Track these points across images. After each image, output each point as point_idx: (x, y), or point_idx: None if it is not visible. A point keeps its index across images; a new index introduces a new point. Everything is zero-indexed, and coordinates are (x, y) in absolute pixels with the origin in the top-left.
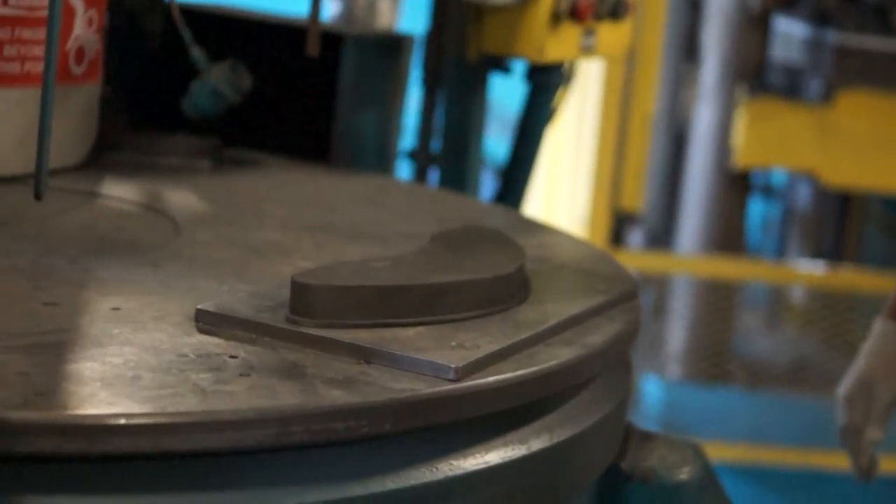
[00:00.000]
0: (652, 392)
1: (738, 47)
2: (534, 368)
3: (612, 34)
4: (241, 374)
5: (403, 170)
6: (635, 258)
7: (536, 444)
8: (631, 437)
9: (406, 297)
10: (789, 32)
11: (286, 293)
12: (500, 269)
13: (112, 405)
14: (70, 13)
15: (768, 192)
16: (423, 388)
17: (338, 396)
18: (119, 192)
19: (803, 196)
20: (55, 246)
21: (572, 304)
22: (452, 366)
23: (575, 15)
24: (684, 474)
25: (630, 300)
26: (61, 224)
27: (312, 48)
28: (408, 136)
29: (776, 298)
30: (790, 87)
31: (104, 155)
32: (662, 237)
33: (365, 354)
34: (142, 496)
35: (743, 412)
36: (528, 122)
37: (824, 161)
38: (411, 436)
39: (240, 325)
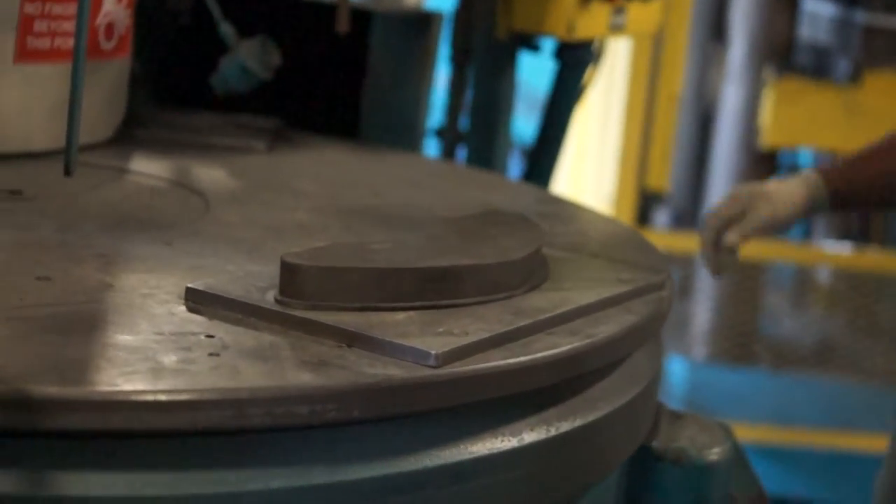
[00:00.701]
0: (677, 372)
1: (765, 27)
2: (523, 358)
3: (641, 12)
4: (210, 354)
5: (431, 147)
6: (661, 238)
7: (563, 426)
8: (661, 417)
9: (399, 281)
10: (817, 12)
11: None
12: (507, 255)
13: (58, 384)
14: None
15: (794, 172)
16: (400, 373)
17: (305, 379)
18: (152, 168)
19: None
20: (74, 222)
21: (587, 293)
22: (433, 352)
23: None
24: (715, 455)
25: (655, 291)
26: (88, 200)
27: (342, 25)
28: (435, 113)
29: (802, 279)
30: (818, 67)
31: (133, 131)
32: (688, 217)
33: (347, 338)
34: (83, 473)
35: (768, 393)
36: (556, 100)
37: (851, 141)
38: (392, 423)
39: (227, 304)
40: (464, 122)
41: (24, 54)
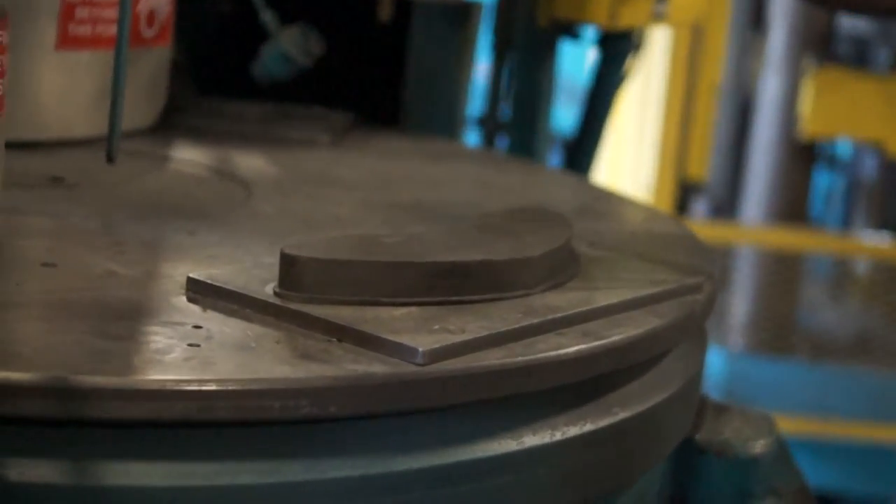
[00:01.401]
0: (715, 363)
1: (805, 17)
2: (520, 359)
3: (683, 1)
4: (189, 345)
5: (472, 137)
6: (699, 228)
7: (602, 421)
8: (706, 409)
9: (402, 275)
10: None
11: None
12: (523, 251)
13: (24, 369)
14: None
15: (833, 162)
16: (382, 370)
17: (279, 373)
18: (197, 156)
19: (869, 167)
20: (108, 209)
21: (611, 294)
22: (420, 349)
23: None
24: (759, 447)
25: (688, 294)
26: (128, 187)
27: (384, 13)
28: (476, 103)
29: (840, 270)
30: (858, 56)
31: (178, 119)
32: (727, 207)
33: (337, 332)
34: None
35: (806, 385)
36: (598, 89)
37: (891, 132)
38: (379, 420)
39: (225, 295)
40: (504, 112)
41: (66, 41)
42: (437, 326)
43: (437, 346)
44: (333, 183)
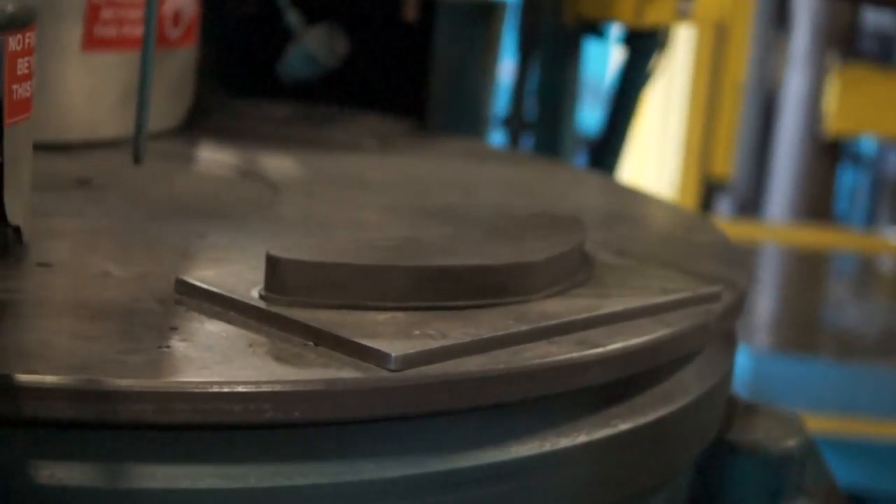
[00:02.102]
0: (740, 362)
1: (829, 13)
2: (500, 366)
3: None
4: (158, 347)
5: (497, 136)
6: (724, 226)
7: (625, 424)
8: (736, 409)
9: (388, 279)
10: None
11: None
12: (522, 257)
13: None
14: None
15: (857, 160)
16: (352, 375)
17: (243, 376)
18: (224, 158)
19: (893, 164)
20: (122, 210)
21: (617, 302)
22: (393, 354)
23: None
24: (790, 446)
25: (703, 303)
26: (153, 189)
27: (409, 13)
28: (500, 102)
29: (865, 268)
30: (882, 53)
31: (202, 119)
32: (751, 205)
33: (314, 336)
34: None
35: (831, 383)
36: (623, 88)
37: None
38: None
39: (210, 297)
40: (530, 111)
41: (92, 43)
42: (417, 332)
43: (410, 351)
44: (365, 186)
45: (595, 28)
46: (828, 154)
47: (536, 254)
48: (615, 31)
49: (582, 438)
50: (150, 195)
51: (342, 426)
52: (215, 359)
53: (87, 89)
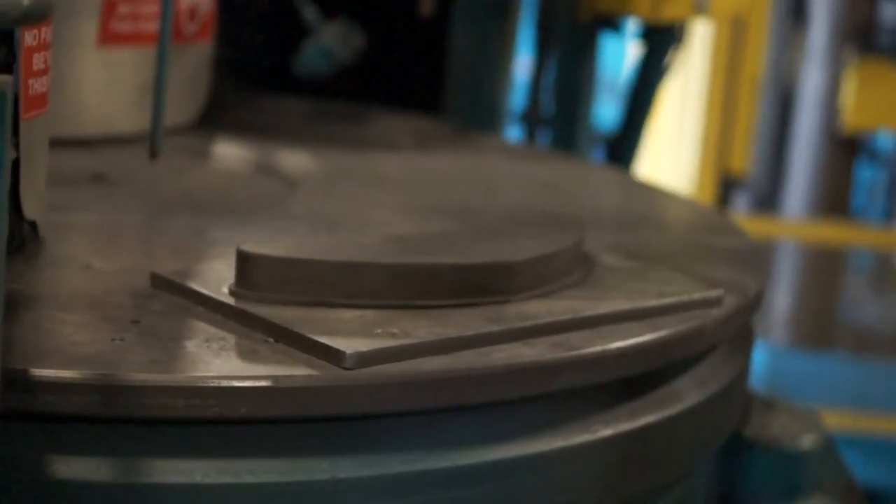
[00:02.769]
0: (757, 358)
1: (846, 8)
2: (461, 367)
3: None
4: (112, 339)
5: (513, 131)
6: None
7: (639, 420)
8: (753, 404)
9: (359, 276)
10: None
11: None
12: (503, 257)
13: None
14: None
15: (875, 155)
16: (305, 372)
17: (189, 371)
18: (242, 153)
19: None
20: (135, 207)
21: (604, 304)
22: (348, 352)
23: None
24: (807, 443)
25: (700, 308)
26: (166, 185)
27: (426, 7)
28: (516, 97)
29: (883, 264)
30: None
31: (218, 114)
32: (768, 201)
33: (275, 332)
34: None
35: (848, 379)
36: (640, 83)
37: None
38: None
39: (181, 292)
40: (546, 106)
41: (107, 38)
42: (379, 330)
43: (367, 349)
44: (385, 185)
45: (611, 23)
46: (845, 150)
47: (519, 254)
48: (632, 26)
49: (594, 434)
50: (163, 191)
51: (301, 424)
52: (168, 353)
53: (102, 84)
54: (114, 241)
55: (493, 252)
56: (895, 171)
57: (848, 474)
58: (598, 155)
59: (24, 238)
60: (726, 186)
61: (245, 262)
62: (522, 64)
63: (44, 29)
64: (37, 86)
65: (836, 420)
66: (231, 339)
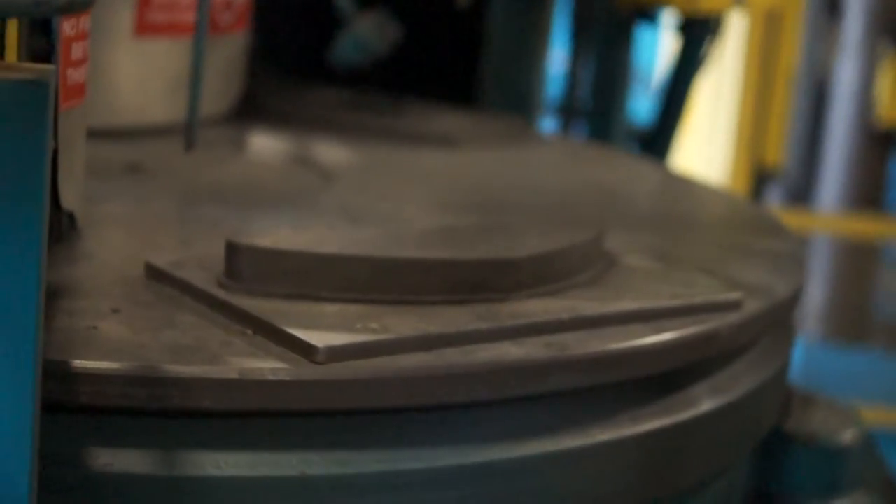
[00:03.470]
0: None
1: (881, 1)
2: (437, 364)
3: None
4: (88, 327)
5: (547, 123)
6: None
7: (679, 415)
8: (792, 399)
9: (347, 270)
10: None
11: None
12: (500, 254)
13: None
14: None
15: None
16: (274, 366)
17: (152, 362)
18: (274, 144)
19: None
20: (151, 196)
21: (611, 304)
22: (320, 346)
23: None
24: (847, 438)
25: (713, 311)
26: (203, 176)
27: (461, 0)
28: (551, 89)
29: None
30: None
31: (254, 105)
32: (802, 194)
33: (252, 324)
34: None
35: (882, 374)
36: (677, 75)
37: None
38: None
39: (171, 281)
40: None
41: (143, 28)
42: (359, 325)
43: (339, 343)
44: (422, 182)
45: (648, 14)
46: (879, 143)
47: (519, 251)
48: (668, 18)
49: (631, 430)
50: (198, 182)
51: (270, 418)
52: (140, 342)
53: (137, 74)
54: (133, 230)
55: (493, 248)
56: None
57: (886, 470)
58: (630, 147)
59: (63, 229)
60: (760, 180)
61: (233, 253)
62: (557, 56)
63: (82, 18)
64: (75, 76)
65: (869, 415)
66: (209, 330)
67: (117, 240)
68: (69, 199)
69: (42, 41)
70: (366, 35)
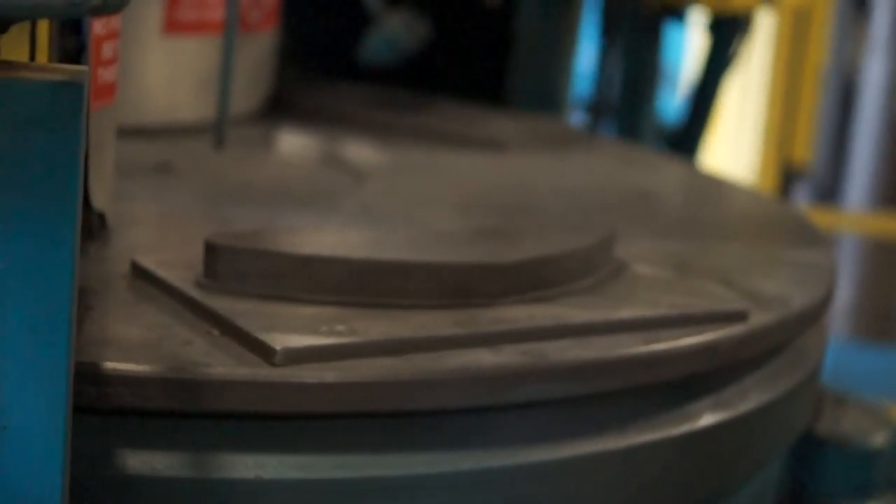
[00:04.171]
0: None
1: None
2: (402, 371)
3: None
4: None
5: (575, 120)
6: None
7: (712, 418)
8: (825, 401)
9: (326, 272)
10: None
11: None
12: (487, 259)
13: None
14: None
15: None
16: (225, 368)
17: (107, 358)
18: (304, 144)
19: None
20: (172, 196)
21: (596, 313)
22: (278, 348)
23: None
24: (879, 439)
25: (722, 322)
26: (230, 175)
27: None
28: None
29: None
30: None
31: (283, 103)
32: (830, 193)
33: (219, 324)
34: None
35: None
36: (707, 73)
37: None
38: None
39: (151, 280)
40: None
41: (172, 26)
42: (325, 328)
43: (298, 346)
44: (455, 185)
45: (677, 12)
46: None
47: (507, 256)
48: (698, 16)
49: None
50: (227, 181)
51: (225, 420)
52: (102, 338)
53: (166, 73)
54: (156, 229)
55: (482, 253)
56: None
57: None
58: (657, 145)
59: (93, 229)
60: (788, 178)
61: (210, 253)
62: (586, 53)
63: (113, 17)
64: (106, 75)
65: None
66: (174, 329)
67: (132, 239)
68: (99, 199)
69: (72, 40)
70: (395, 33)
